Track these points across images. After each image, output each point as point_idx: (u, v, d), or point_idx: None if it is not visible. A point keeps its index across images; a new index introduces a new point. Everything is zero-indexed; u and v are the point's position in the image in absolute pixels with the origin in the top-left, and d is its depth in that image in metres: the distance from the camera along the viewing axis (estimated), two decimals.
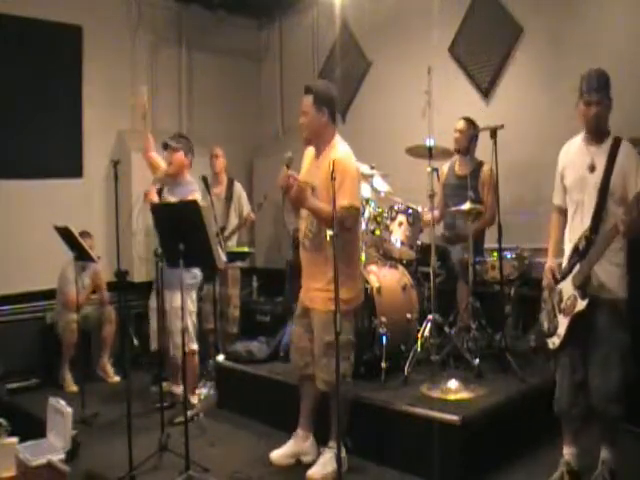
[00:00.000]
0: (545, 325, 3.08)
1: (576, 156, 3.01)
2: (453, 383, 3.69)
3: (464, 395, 3.58)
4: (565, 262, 3.01)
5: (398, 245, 4.30)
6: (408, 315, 4.11)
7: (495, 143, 3.96)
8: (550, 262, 3.11)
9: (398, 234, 4.29)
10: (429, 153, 4.22)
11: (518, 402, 3.61)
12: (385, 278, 4.14)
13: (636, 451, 3.44)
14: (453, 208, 4.37)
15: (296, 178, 3.19)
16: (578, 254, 2.90)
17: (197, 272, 4.45)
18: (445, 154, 4.52)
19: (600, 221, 2.85)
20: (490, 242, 4.55)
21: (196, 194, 4.29)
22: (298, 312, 3.56)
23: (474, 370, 3.88)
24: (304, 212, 3.41)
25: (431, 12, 5.56)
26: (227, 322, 5.64)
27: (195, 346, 4.44)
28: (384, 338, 3.90)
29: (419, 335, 4.04)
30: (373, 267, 4.23)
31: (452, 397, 3.56)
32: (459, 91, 5.55)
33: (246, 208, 5.77)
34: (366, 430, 3.59)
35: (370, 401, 3.65)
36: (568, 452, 3.08)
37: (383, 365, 3.86)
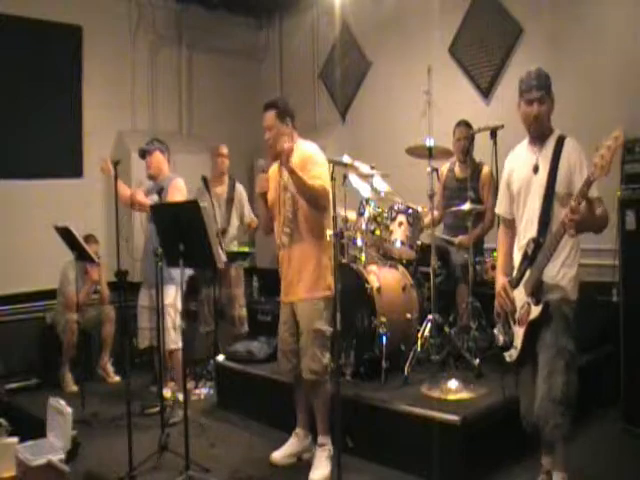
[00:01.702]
0: (500, 338, 2.96)
1: (521, 160, 2.92)
2: (453, 383, 3.69)
3: (464, 395, 3.58)
4: (515, 270, 2.90)
5: (398, 245, 4.30)
6: (408, 315, 4.11)
7: (495, 143, 3.96)
8: (501, 280, 2.96)
9: (398, 234, 4.29)
10: (429, 153, 4.23)
11: (518, 402, 3.60)
12: (385, 278, 4.14)
13: (636, 451, 3.45)
14: (454, 208, 4.37)
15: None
16: (527, 259, 2.79)
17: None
18: (445, 154, 4.52)
19: (547, 223, 2.75)
20: (490, 242, 4.55)
21: (178, 179, 4.42)
22: (282, 317, 3.59)
23: (474, 370, 3.88)
24: (279, 216, 3.50)
25: (431, 12, 5.57)
26: (234, 323, 5.57)
27: (180, 344, 4.37)
28: (384, 338, 3.90)
29: (419, 335, 4.04)
30: (373, 267, 4.23)
31: (452, 397, 3.56)
32: (459, 91, 5.56)
33: (247, 210, 5.63)
34: (366, 430, 3.59)
35: (370, 401, 3.65)
36: (547, 461, 3.00)
37: (383, 365, 3.86)
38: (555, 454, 2.84)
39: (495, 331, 3.02)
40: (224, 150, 5.63)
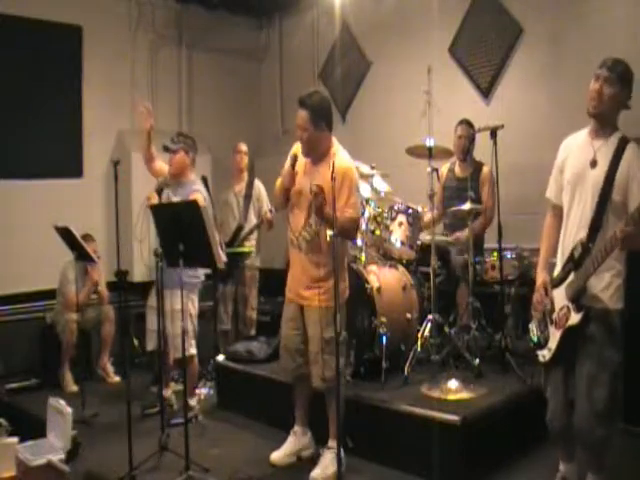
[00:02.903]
0: (535, 336, 2.89)
1: (579, 149, 2.78)
2: (453, 383, 3.69)
3: (464, 395, 3.58)
4: (558, 268, 2.81)
5: (398, 245, 4.30)
6: (408, 315, 4.11)
7: (495, 143, 3.96)
8: (542, 276, 2.86)
9: (398, 234, 4.29)
10: (429, 153, 4.23)
11: (518, 402, 3.61)
12: (385, 278, 4.14)
13: (636, 451, 3.45)
14: (453, 208, 4.38)
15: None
16: (573, 262, 2.69)
17: (199, 270, 4.32)
18: (445, 154, 4.53)
19: (598, 228, 2.63)
20: (490, 242, 4.55)
21: (198, 194, 4.21)
22: (288, 314, 3.55)
23: (474, 370, 3.88)
24: (299, 212, 3.42)
25: (431, 12, 5.58)
26: (244, 324, 5.59)
27: (194, 350, 4.33)
28: (384, 338, 3.90)
29: (419, 335, 4.04)
30: (373, 267, 4.22)
31: (452, 397, 3.56)
32: (459, 91, 5.56)
33: (265, 207, 5.60)
34: (366, 430, 3.59)
35: (370, 401, 3.65)
36: (564, 468, 2.96)
37: (383, 365, 3.86)
38: (593, 459, 2.77)
39: (530, 326, 2.94)
40: (243, 147, 5.68)
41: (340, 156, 3.35)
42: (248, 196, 5.57)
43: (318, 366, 3.38)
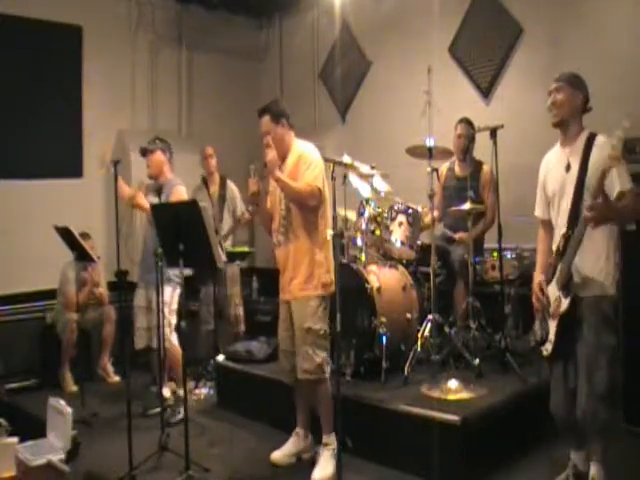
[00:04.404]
0: (538, 333, 2.98)
1: (555, 162, 2.98)
2: (453, 383, 3.69)
3: (464, 395, 3.58)
4: (551, 267, 2.93)
5: (398, 245, 4.30)
6: (408, 315, 4.11)
7: (495, 143, 3.96)
8: (538, 277, 3.01)
9: (398, 234, 4.29)
10: (429, 153, 4.23)
11: (518, 402, 3.61)
12: (385, 278, 4.14)
13: (636, 451, 3.45)
14: (454, 208, 4.37)
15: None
16: (559, 255, 2.82)
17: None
18: (445, 154, 4.53)
19: (577, 216, 2.74)
20: (490, 242, 4.55)
21: (179, 187, 4.37)
22: (281, 316, 3.59)
23: (474, 370, 3.88)
24: (276, 216, 3.53)
25: (431, 12, 5.57)
26: (229, 322, 5.61)
27: (176, 342, 4.36)
28: (384, 338, 3.90)
29: (419, 335, 4.04)
30: (373, 267, 4.23)
31: (452, 397, 3.56)
32: (459, 91, 5.56)
33: (240, 207, 5.67)
34: (366, 430, 3.59)
35: (370, 401, 3.65)
36: (575, 456, 3.01)
37: (383, 365, 3.86)
38: (597, 446, 2.84)
39: (534, 327, 3.02)
40: (209, 150, 5.70)
41: (299, 147, 3.51)
42: (222, 197, 5.61)
43: (299, 357, 3.41)
